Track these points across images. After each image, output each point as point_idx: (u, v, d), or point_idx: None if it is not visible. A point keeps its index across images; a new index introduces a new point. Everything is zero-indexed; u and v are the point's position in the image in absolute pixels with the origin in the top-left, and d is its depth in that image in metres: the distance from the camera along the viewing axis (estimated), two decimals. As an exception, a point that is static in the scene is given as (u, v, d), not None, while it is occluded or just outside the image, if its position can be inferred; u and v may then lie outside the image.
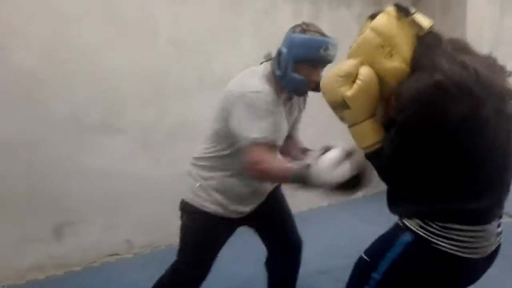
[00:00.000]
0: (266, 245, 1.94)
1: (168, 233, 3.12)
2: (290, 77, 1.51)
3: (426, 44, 1.15)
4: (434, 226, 1.15)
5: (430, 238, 1.15)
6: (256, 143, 1.44)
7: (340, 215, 3.82)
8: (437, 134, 1.05)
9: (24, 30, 2.44)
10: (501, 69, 1.17)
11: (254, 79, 1.53)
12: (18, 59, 2.43)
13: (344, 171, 1.29)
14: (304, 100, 1.78)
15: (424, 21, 1.17)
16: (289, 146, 1.77)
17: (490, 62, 1.17)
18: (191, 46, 3.04)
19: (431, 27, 1.17)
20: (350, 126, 1.25)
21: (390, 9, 1.19)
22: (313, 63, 1.52)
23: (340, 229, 3.50)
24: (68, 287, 2.59)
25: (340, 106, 1.22)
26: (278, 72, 1.53)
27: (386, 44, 1.15)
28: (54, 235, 2.68)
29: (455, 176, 1.09)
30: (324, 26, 3.77)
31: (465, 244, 1.14)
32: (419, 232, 1.17)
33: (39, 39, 2.48)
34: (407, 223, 1.20)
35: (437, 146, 1.06)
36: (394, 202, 1.27)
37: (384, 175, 1.18)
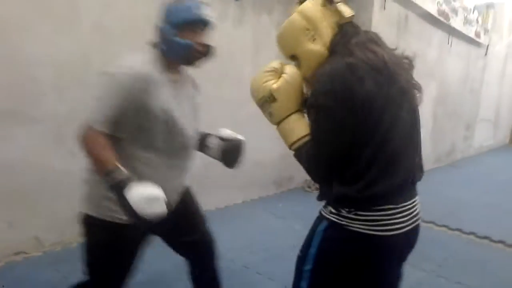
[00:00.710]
0: (179, 253, 1.85)
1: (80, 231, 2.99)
2: (175, 43, 1.49)
3: (345, 31, 1.24)
4: (343, 210, 1.21)
5: (340, 222, 1.22)
6: (94, 123, 1.41)
7: (255, 212, 3.96)
8: (347, 110, 1.12)
9: None
10: (407, 61, 1.30)
11: (127, 60, 1.48)
12: None
13: (152, 211, 1.29)
14: (195, 87, 1.78)
15: (346, 10, 1.25)
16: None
17: (397, 54, 1.29)
18: (117, 34, 2.94)
19: (351, 17, 1.26)
20: (278, 123, 1.31)
21: None
22: (192, 26, 1.50)
23: (257, 225, 3.63)
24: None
25: (268, 100, 1.30)
26: (163, 47, 1.52)
27: (310, 28, 1.23)
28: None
29: (363, 154, 1.15)
30: (248, 29, 3.94)
31: (374, 223, 1.19)
32: (330, 217, 1.24)
33: None
34: (322, 212, 1.29)
35: (347, 123, 1.13)
36: (320, 193, 1.33)
37: (313, 163, 1.22)
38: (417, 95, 1.29)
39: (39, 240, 2.76)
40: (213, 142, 1.80)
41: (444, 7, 6.00)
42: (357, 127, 1.14)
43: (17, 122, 2.56)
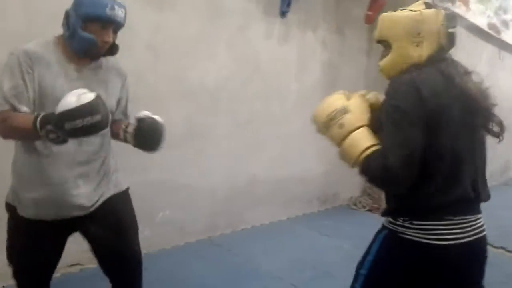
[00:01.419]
0: (98, 260, 1.77)
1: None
2: (79, 36, 1.46)
3: (443, 56, 1.32)
4: (400, 219, 1.30)
5: (397, 229, 1.31)
6: None
7: (300, 229, 3.92)
8: (415, 117, 1.20)
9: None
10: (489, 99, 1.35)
11: (29, 43, 1.49)
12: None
13: (84, 101, 1.28)
14: (121, 76, 1.73)
15: (454, 40, 1.33)
16: (115, 128, 1.72)
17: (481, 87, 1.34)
18: (168, 54, 3.05)
19: (453, 45, 1.34)
20: (348, 134, 1.32)
21: (442, 12, 1.30)
22: (102, 23, 1.48)
23: (302, 242, 3.59)
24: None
25: (339, 113, 1.33)
26: (67, 34, 1.49)
27: (422, 35, 1.28)
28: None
29: (425, 167, 1.20)
30: (293, 46, 3.98)
31: (428, 232, 1.25)
32: (389, 226, 1.35)
33: None
34: (384, 223, 1.39)
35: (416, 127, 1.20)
36: (388, 206, 1.40)
37: (387, 170, 1.20)
38: (491, 127, 1.34)
39: (93, 252, 2.84)
40: (129, 127, 1.70)
41: (495, 20, 5.80)
42: (426, 136, 1.20)
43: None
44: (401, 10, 1.34)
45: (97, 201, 1.64)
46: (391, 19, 1.34)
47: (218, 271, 2.90)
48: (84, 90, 1.33)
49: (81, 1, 1.47)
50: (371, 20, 4.27)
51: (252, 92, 3.67)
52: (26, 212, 1.54)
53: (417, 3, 1.37)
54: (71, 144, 1.48)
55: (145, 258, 3.17)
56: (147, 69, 2.95)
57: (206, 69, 3.33)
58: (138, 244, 1.78)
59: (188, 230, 3.43)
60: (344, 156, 1.35)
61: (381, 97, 1.38)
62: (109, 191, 1.69)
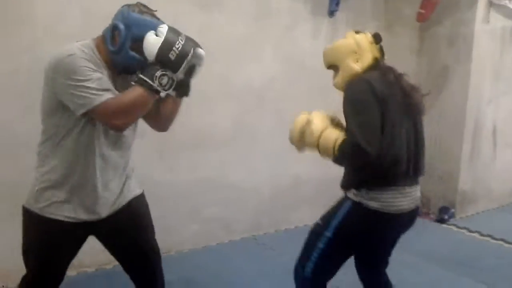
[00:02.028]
0: (120, 262, 1.80)
1: (180, 238, 3.16)
2: (127, 54, 1.47)
3: (378, 64, 1.73)
4: (364, 191, 1.63)
5: (361, 201, 1.64)
6: (99, 104, 1.39)
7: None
8: (375, 101, 1.56)
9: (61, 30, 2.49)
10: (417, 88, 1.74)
11: (67, 46, 1.45)
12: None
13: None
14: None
15: (382, 52, 1.76)
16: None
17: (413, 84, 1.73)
18: (215, 55, 3.11)
19: (384, 57, 1.78)
20: (318, 139, 1.66)
21: (369, 34, 1.75)
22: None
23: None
24: (101, 283, 2.63)
25: (307, 125, 1.71)
26: (112, 48, 1.48)
27: (358, 52, 1.71)
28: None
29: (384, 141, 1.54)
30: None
31: (386, 203, 1.61)
32: (354, 198, 1.66)
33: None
34: (347, 194, 1.70)
35: (377, 109, 1.55)
36: (346, 179, 1.75)
37: (351, 152, 1.55)
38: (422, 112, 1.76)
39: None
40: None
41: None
42: (381, 115, 1.57)
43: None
44: (336, 41, 1.80)
45: (120, 203, 1.67)
46: (333, 48, 1.79)
47: (262, 270, 2.91)
48: (157, 27, 1.44)
49: (133, 21, 1.47)
50: (423, 18, 4.13)
51: (298, 92, 3.66)
52: (55, 214, 1.52)
53: (349, 32, 1.80)
54: (106, 148, 1.54)
55: (191, 254, 3.28)
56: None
57: (252, 69, 3.36)
58: (155, 240, 1.81)
59: (233, 228, 3.48)
60: (324, 154, 1.68)
61: (336, 113, 1.79)
62: (130, 194, 1.71)
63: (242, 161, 3.42)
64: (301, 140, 1.74)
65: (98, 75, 1.42)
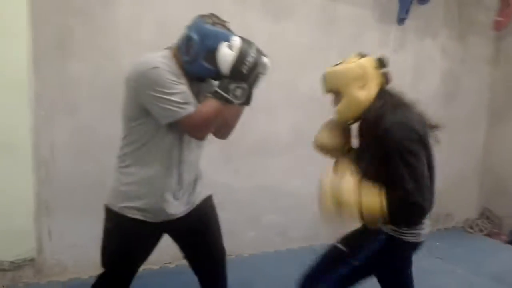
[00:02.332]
0: (188, 261, 1.87)
1: (240, 243, 3.21)
2: (201, 65, 1.53)
3: (386, 92, 1.64)
4: (403, 228, 1.58)
5: (397, 236, 1.59)
6: (183, 117, 1.49)
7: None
8: (421, 154, 1.50)
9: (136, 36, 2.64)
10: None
11: (148, 57, 1.53)
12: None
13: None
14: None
15: (391, 78, 1.66)
16: None
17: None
18: (282, 63, 3.14)
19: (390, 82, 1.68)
20: (360, 208, 1.51)
21: (372, 59, 1.63)
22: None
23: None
24: (164, 281, 2.74)
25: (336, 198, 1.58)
26: (186, 58, 1.55)
27: (364, 78, 1.60)
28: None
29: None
30: (410, 54, 3.81)
31: (419, 235, 1.62)
32: (390, 233, 1.60)
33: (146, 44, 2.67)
34: (382, 228, 1.60)
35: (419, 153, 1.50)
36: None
37: (409, 210, 1.48)
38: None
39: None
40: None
41: None
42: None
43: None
44: (339, 63, 1.67)
45: (194, 203, 1.75)
46: (336, 72, 1.66)
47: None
48: (229, 39, 1.49)
49: (207, 32, 1.52)
50: (500, 27, 3.91)
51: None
52: (134, 213, 1.60)
53: (352, 56, 1.67)
54: (185, 152, 1.63)
55: (249, 259, 3.30)
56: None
57: (317, 77, 3.32)
58: (222, 242, 1.88)
59: (290, 236, 3.48)
60: (371, 220, 1.53)
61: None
62: (201, 195, 1.79)
63: (301, 169, 3.40)
64: (337, 208, 1.58)
65: (182, 87, 1.51)
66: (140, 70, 1.50)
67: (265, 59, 1.54)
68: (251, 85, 1.53)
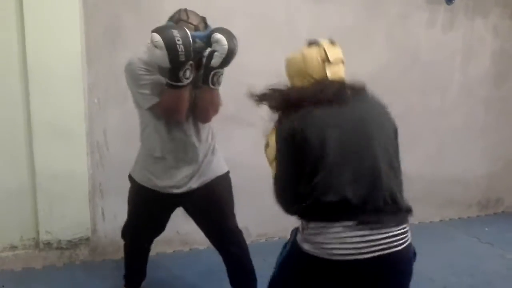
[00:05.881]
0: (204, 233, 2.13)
1: (282, 226, 3.24)
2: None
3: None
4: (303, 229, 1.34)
5: (298, 241, 1.36)
6: (153, 104, 1.80)
7: (455, 233, 3.64)
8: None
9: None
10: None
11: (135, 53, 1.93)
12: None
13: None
14: None
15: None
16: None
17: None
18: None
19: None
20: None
21: (322, 49, 1.48)
22: None
23: (458, 247, 3.34)
24: (193, 263, 2.82)
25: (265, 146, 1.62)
26: None
27: (303, 72, 1.46)
28: (182, 213, 2.92)
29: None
30: (459, 34, 3.65)
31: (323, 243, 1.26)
32: (296, 235, 1.38)
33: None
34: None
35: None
36: None
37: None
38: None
39: (248, 231, 3.08)
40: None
41: None
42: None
43: (237, 125, 2.96)
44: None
45: (203, 181, 1.96)
46: (285, 62, 1.56)
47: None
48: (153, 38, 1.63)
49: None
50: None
51: (409, 83, 3.49)
52: (145, 183, 1.95)
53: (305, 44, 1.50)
54: (179, 131, 1.86)
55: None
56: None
57: (362, 60, 3.26)
58: (234, 221, 2.08)
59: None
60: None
61: None
62: (212, 173, 1.97)
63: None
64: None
65: (151, 78, 1.77)
66: (124, 67, 1.82)
67: (217, 36, 1.68)
68: (198, 62, 1.73)
